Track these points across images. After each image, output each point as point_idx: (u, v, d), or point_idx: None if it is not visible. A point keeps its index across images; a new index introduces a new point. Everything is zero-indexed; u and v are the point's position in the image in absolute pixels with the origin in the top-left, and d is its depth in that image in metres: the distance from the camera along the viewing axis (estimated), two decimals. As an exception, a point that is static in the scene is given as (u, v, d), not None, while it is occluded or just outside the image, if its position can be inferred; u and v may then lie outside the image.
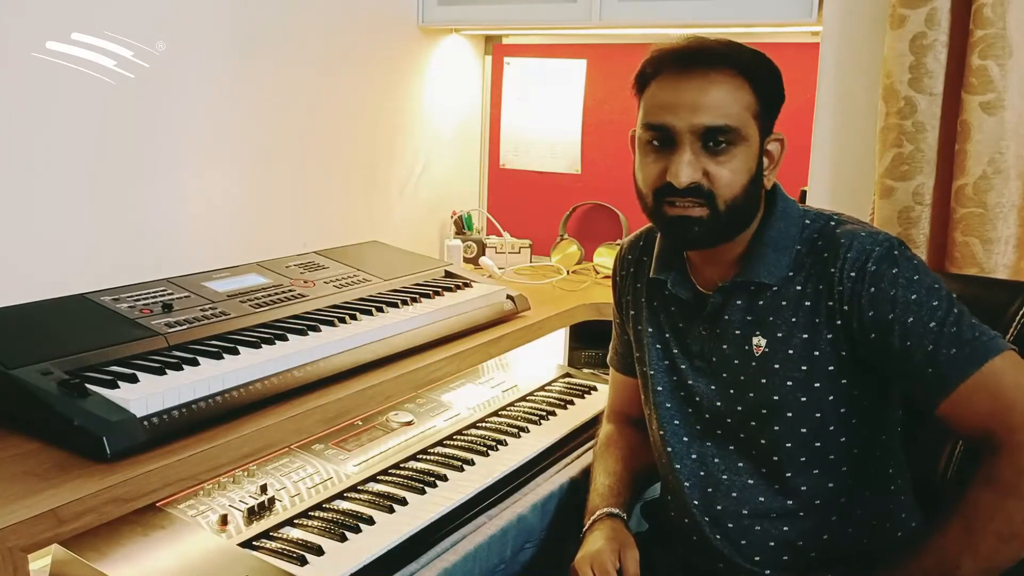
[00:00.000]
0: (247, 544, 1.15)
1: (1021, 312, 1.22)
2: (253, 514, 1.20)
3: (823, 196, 1.76)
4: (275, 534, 1.18)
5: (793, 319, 1.11)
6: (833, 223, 1.13)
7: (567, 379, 1.90)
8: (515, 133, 2.57)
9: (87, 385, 1.10)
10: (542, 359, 2.01)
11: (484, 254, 2.41)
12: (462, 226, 2.49)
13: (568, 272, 2.31)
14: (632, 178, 1.16)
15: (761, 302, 1.13)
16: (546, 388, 1.84)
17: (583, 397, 1.80)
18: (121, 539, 1.08)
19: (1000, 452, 0.98)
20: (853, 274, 1.06)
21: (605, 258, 2.31)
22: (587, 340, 2.21)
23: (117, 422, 1.04)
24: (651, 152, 1.11)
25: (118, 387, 1.12)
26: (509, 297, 1.77)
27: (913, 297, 1.03)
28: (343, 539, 1.18)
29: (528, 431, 1.60)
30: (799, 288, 1.11)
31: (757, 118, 1.09)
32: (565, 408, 1.73)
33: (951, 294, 1.05)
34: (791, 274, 1.12)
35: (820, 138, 1.76)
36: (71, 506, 0.94)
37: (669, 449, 1.22)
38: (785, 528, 1.14)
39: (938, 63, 1.53)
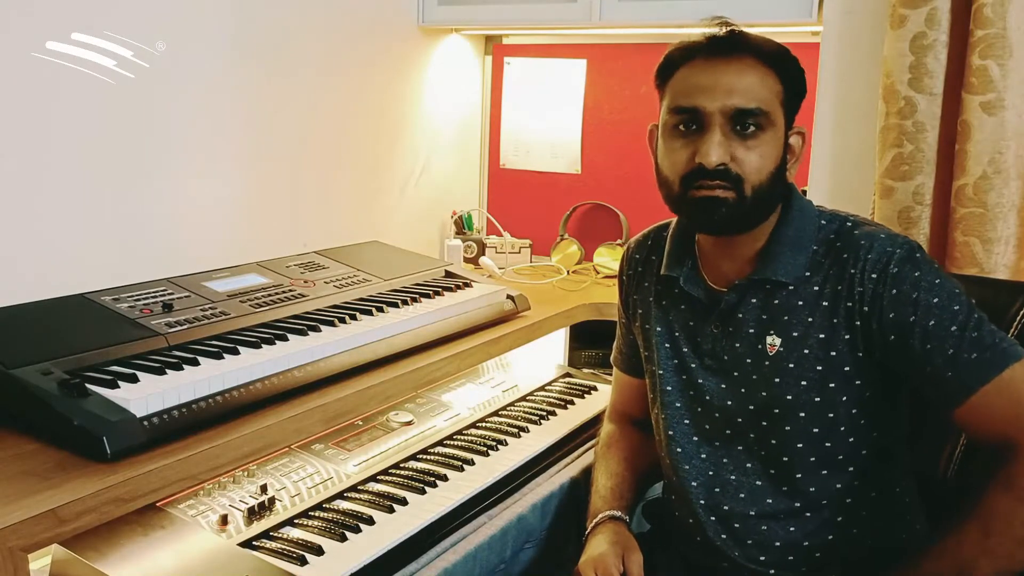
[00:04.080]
0: (247, 544, 1.15)
1: (1022, 313, 1.22)
2: (253, 514, 1.20)
3: (823, 196, 1.76)
4: (275, 534, 1.18)
5: (810, 319, 1.10)
6: (850, 224, 1.13)
7: (567, 379, 1.90)
8: (515, 133, 2.57)
9: (87, 385, 1.10)
10: (542, 359, 2.01)
11: (484, 254, 2.41)
12: (462, 226, 2.49)
13: (568, 272, 2.32)
14: (653, 172, 1.16)
15: (776, 301, 1.13)
16: (546, 388, 1.84)
17: (583, 397, 1.80)
18: (121, 539, 1.08)
19: (1018, 458, 0.99)
20: (875, 276, 1.06)
21: (605, 258, 2.31)
22: (587, 340, 2.21)
23: (117, 422, 1.04)
24: (678, 137, 1.10)
25: (118, 387, 1.12)
26: (509, 297, 1.77)
27: (935, 301, 1.03)
28: (343, 539, 1.18)
29: (528, 431, 1.60)
30: (816, 288, 1.11)
31: (784, 107, 1.10)
32: (565, 408, 1.73)
33: (970, 299, 1.05)
34: (808, 274, 1.11)
35: (820, 138, 1.76)
36: (71, 506, 0.94)
37: (678, 449, 1.21)
38: (791, 528, 1.14)
39: (938, 63, 1.53)
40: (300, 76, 1.99)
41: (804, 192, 1.81)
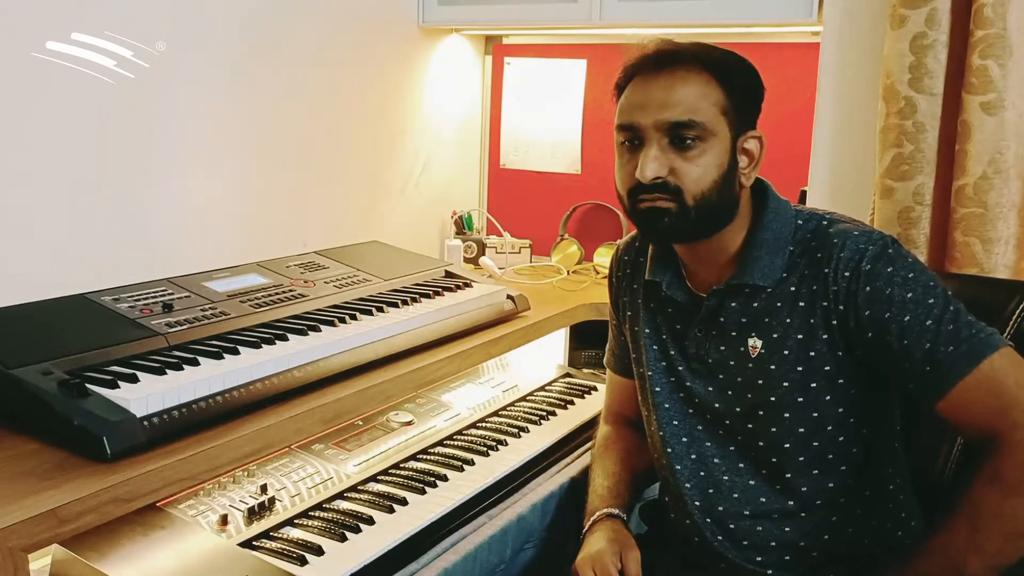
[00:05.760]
0: (247, 544, 1.15)
1: (1019, 309, 1.22)
2: (253, 514, 1.20)
3: (823, 196, 1.76)
4: (275, 534, 1.18)
5: (788, 320, 1.11)
6: (825, 223, 1.13)
7: (567, 379, 1.90)
8: (515, 133, 2.57)
9: (87, 385, 1.10)
10: (542, 359, 2.01)
11: (484, 254, 2.41)
12: (462, 226, 2.49)
13: (568, 272, 2.32)
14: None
15: (756, 304, 1.13)
16: (546, 388, 1.84)
17: (583, 397, 1.80)
18: (121, 539, 1.08)
19: (1002, 451, 0.98)
20: (848, 274, 1.06)
21: (605, 258, 2.31)
22: (587, 340, 2.21)
23: (117, 422, 1.04)
24: (624, 153, 1.13)
25: (118, 387, 1.12)
26: (509, 297, 1.77)
27: (909, 295, 1.03)
28: (343, 539, 1.18)
29: (528, 431, 1.60)
30: (793, 289, 1.11)
31: (727, 115, 1.10)
32: (565, 408, 1.73)
33: (947, 291, 1.05)
34: (785, 275, 1.12)
35: (820, 138, 1.76)
36: (71, 506, 0.94)
37: (669, 450, 1.22)
38: (787, 528, 1.14)
39: (938, 63, 1.53)
40: (300, 76, 1.99)
41: (804, 192, 1.83)
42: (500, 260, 2.38)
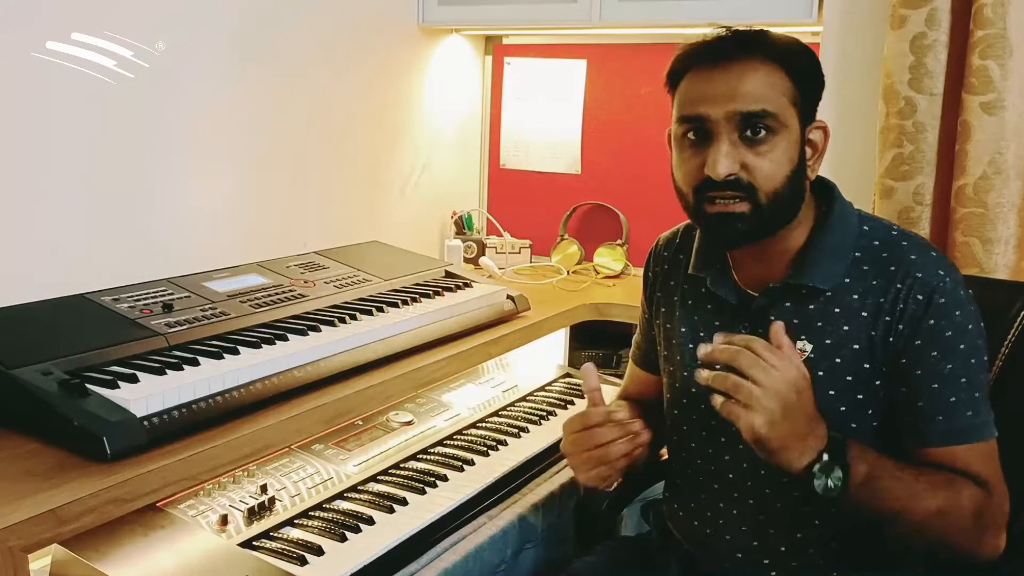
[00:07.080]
0: (247, 544, 1.15)
1: (1022, 314, 1.21)
2: (253, 514, 1.20)
3: (823, 196, 1.76)
4: (275, 534, 1.18)
5: (846, 327, 1.07)
6: (895, 233, 1.10)
7: (567, 379, 1.90)
8: (515, 133, 2.57)
9: (87, 385, 1.10)
10: (542, 359, 2.01)
11: (484, 254, 2.41)
12: (462, 226, 2.49)
13: (568, 272, 2.32)
14: (671, 177, 1.12)
15: (812, 306, 1.09)
16: (546, 388, 1.84)
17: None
18: (121, 539, 1.08)
19: (992, 497, 1.02)
20: (920, 297, 1.04)
21: (605, 258, 2.31)
22: (587, 340, 2.21)
23: (117, 422, 1.04)
24: (687, 147, 1.07)
25: (118, 387, 1.12)
26: (509, 297, 1.77)
27: (961, 347, 1.03)
28: (343, 539, 1.18)
29: (528, 431, 1.60)
30: (856, 297, 1.07)
31: (796, 105, 1.05)
32: (565, 408, 1.73)
33: (984, 357, 1.05)
34: (847, 281, 1.08)
35: (820, 138, 1.76)
36: (71, 506, 0.94)
37: (710, 450, 1.18)
38: (797, 533, 1.13)
39: (938, 63, 1.53)
40: (300, 76, 1.99)
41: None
42: (500, 260, 2.38)
